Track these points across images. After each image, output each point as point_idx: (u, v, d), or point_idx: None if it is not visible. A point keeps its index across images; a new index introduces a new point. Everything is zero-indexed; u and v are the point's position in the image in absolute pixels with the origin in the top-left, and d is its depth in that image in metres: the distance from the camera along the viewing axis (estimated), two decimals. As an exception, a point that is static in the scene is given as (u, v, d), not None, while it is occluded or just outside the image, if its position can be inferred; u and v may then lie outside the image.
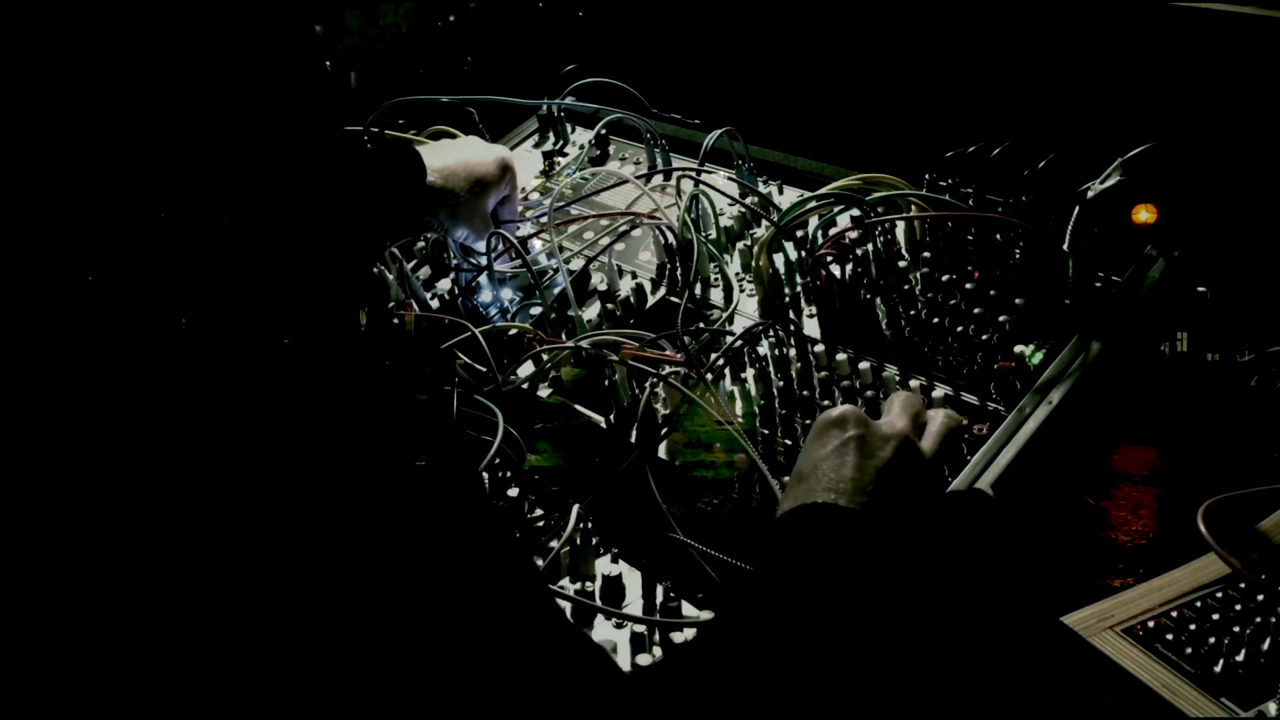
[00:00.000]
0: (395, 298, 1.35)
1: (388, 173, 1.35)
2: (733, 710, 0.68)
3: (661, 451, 1.10)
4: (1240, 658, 0.81)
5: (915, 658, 0.82)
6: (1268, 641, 0.82)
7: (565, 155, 1.57)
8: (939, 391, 1.06)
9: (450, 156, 1.38)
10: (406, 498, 0.71)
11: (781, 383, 1.11)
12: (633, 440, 1.11)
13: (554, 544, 1.02)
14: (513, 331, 1.24)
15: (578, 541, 1.02)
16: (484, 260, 1.34)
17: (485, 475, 1.10)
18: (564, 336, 1.24)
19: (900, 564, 0.79)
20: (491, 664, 0.66)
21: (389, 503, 0.70)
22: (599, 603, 0.98)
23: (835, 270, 1.14)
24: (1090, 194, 1.07)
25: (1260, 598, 0.85)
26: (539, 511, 1.07)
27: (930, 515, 0.83)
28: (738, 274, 1.28)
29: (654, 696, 0.69)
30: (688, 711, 0.68)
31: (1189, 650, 0.83)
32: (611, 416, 1.14)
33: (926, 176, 1.22)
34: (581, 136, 1.57)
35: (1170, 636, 0.84)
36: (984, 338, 1.07)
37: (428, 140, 1.50)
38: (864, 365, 1.08)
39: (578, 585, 1.00)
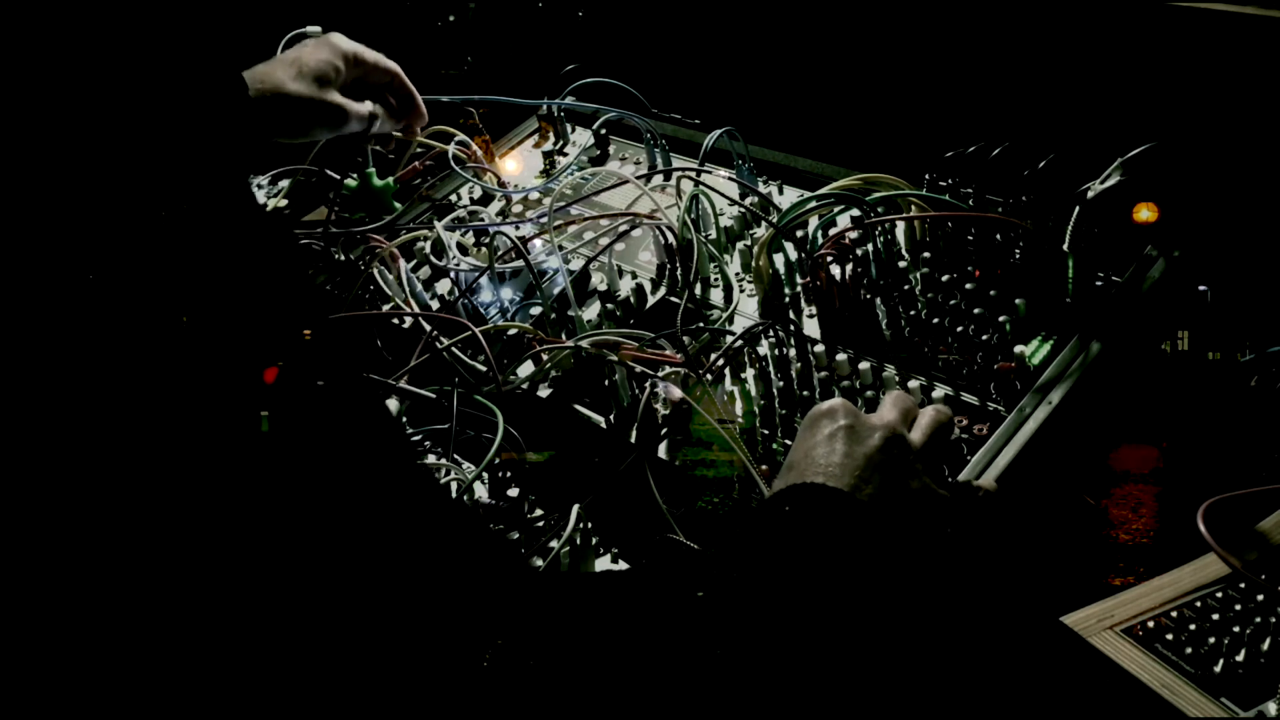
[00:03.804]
0: (395, 298, 1.35)
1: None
2: (722, 690, 0.68)
3: (661, 451, 1.10)
4: (1240, 658, 0.81)
5: (910, 643, 0.82)
6: (1268, 641, 0.82)
7: (565, 155, 1.57)
8: (939, 391, 1.06)
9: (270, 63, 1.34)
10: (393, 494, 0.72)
11: (781, 383, 1.11)
12: (633, 440, 1.11)
13: (554, 544, 1.02)
14: (513, 331, 1.25)
15: (578, 541, 1.02)
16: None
17: (485, 475, 1.10)
18: (564, 336, 1.24)
19: (892, 542, 0.79)
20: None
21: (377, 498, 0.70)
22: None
23: (835, 270, 1.14)
24: (1090, 194, 1.07)
25: (1260, 598, 0.85)
26: (539, 511, 1.07)
27: (923, 501, 0.83)
28: (738, 274, 1.28)
29: (643, 669, 0.69)
30: (678, 688, 0.68)
31: (1189, 650, 0.83)
32: (611, 416, 1.15)
33: (926, 176, 1.22)
34: (582, 136, 1.57)
35: (1170, 636, 0.84)
36: (984, 338, 1.07)
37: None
38: (864, 365, 1.08)
39: (578, 585, 1.00)
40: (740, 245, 1.30)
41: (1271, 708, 0.78)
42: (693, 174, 1.33)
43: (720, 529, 1.02)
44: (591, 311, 1.26)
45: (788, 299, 1.21)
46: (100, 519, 0.63)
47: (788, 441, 1.06)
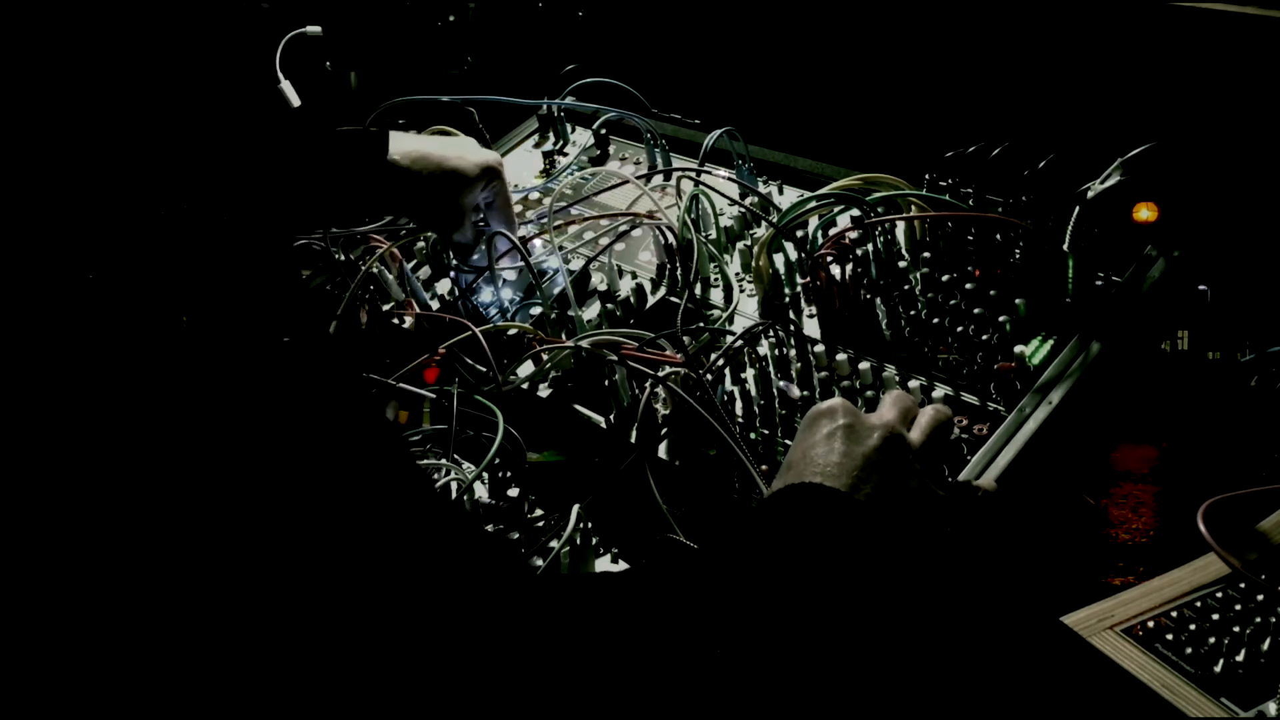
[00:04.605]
0: (395, 298, 1.35)
1: (336, 154, 1.27)
2: (722, 690, 0.68)
3: (661, 451, 1.10)
4: (1240, 658, 0.81)
5: (910, 643, 0.82)
6: (1268, 641, 0.82)
7: (565, 155, 1.57)
8: (939, 391, 1.06)
9: (428, 144, 1.32)
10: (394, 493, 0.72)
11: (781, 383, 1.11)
12: (633, 440, 1.11)
13: (554, 544, 1.02)
14: (513, 331, 1.25)
15: (578, 541, 1.02)
16: (477, 263, 1.33)
17: (485, 475, 1.10)
18: (564, 336, 1.24)
19: (891, 542, 0.79)
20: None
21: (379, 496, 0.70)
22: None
23: (835, 270, 1.14)
24: (1090, 194, 1.07)
25: (1260, 598, 0.85)
26: (539, 511, 1.07)
27: (922, 501, 0.83)
28: (738, 274, 1.28)
29: (643, 669, 0.69)
30: (678, 688, 0.68)
31: (1189, 650, 0.83)
32: (611, 416, 1.15)
33: (926, 176, 1.22)
34: (582, 136, 1.57)
35: (1170, 636, 0.84)
36: (984, 338, 1.07)
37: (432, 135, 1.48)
38: (864, 365, 1.08)
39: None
40: (740, 245, 1.30)
41: (1271, 708, 0.78)
42: (693, 174, 1.33)
43: (720, 529, 1.02)
44: (591, 311, 1.26)
45: (788, 299, 1.21)
46: (96, 518, 0.63)
47: (787, 441, 1.06)
